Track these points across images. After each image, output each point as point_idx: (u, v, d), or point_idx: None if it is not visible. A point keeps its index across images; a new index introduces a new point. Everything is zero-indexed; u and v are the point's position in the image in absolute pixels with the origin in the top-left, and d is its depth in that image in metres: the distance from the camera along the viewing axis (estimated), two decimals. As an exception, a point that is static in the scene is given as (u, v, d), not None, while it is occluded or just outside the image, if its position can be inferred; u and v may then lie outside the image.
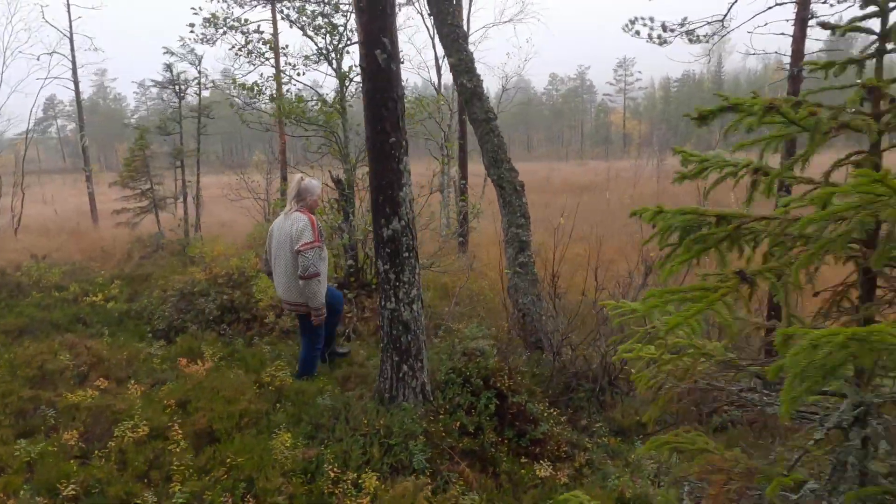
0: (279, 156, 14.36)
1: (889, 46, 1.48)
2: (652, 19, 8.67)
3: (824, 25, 1.46)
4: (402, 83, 4.10)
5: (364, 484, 3.60)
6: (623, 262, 7.20)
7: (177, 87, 12.93)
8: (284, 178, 13.53)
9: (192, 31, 9.25)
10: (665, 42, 8.64)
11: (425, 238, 9.75)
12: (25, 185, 18.04)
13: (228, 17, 8.63)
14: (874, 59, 1.51)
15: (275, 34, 13.05)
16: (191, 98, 13.85)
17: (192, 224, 13.54)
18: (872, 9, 1.46)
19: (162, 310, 7.53)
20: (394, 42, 3.95)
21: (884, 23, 1.48)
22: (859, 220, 1.24)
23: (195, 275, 8.12)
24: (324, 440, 4.07)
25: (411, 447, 3.97)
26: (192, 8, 8.45)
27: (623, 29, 8.92)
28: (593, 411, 4.99)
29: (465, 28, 16.11)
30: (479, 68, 5.66)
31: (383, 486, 3.62)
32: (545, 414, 4.47)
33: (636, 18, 8.68)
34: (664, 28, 8.57)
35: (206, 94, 13.15)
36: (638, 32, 8.76)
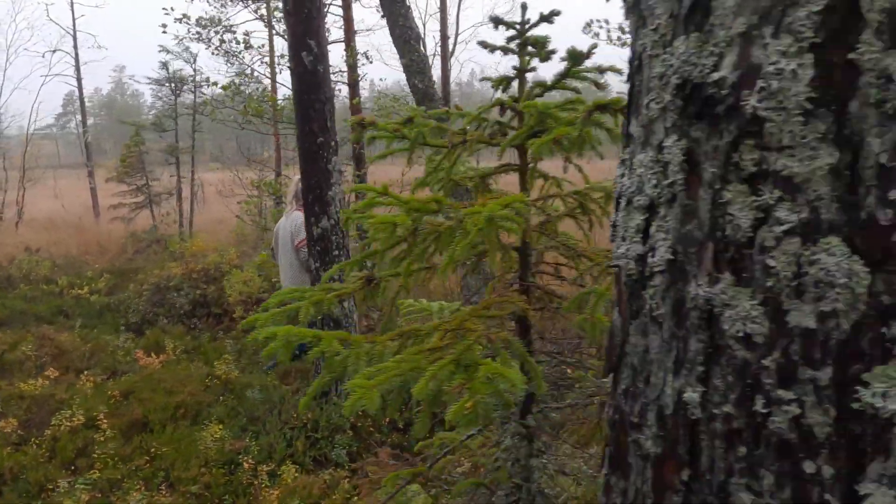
0: (274, 153, 14.52)
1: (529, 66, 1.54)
2: (608, 21, 8.68)
3: (483, 45, 1.51)
4: (332, 85, 4.18)
5: (282, 475, 3.70)
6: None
7: (172, 85, 13.13)
8: (278, 175, 13.70)
9: (164, 32, 9.45)
10: (625, 44, 8.58)
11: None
12: (38, 180, 18.45)
13: (202, 18, 8.81)
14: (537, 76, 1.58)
15: (269, 36, 13.19)
16: (194, 96, 14.06)
17: (178, 220, 13.73)
18: (512, 31, 1.51)
19: (137, 303, 7.70)
20: (321, 44, 4.03)
21: (520, 44, 1.53)
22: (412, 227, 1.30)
23: (172, 269, 8.29)
24: (254, 433, 4.18)
25: (336, 441, 4.07)
26: (164, 8, 8.64)
27: (582, 31, 8.92)
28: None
29: (454, 26, 16.13)
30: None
31: (300, 478, 3.71)
32: (476, 411, 4.53)
33: (592, 21, 8.68)
34: (622, 30, 8.54)
35: (213, 90, 13.30)
36: (597, 34, 8.76)
